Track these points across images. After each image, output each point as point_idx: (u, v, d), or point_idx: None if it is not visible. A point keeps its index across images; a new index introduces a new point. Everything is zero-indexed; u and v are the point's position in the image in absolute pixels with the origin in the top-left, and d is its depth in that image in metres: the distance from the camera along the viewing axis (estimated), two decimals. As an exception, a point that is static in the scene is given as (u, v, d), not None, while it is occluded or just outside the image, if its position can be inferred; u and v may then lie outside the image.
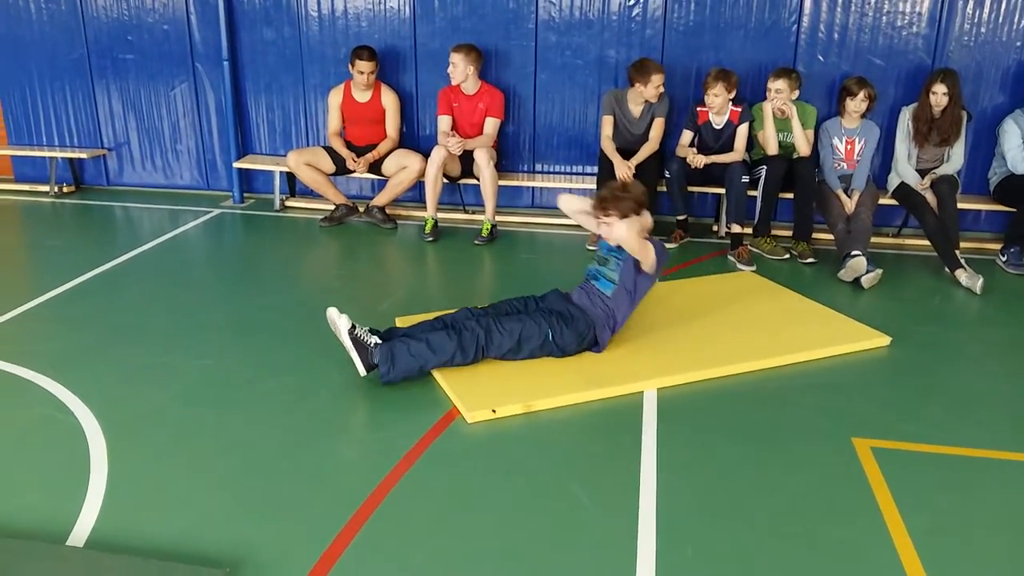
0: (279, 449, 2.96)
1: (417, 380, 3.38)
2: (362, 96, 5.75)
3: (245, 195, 6.36)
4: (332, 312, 3.39)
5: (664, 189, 5.40)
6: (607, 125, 5.49)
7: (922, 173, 5.29)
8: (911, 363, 3.76)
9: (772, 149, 5.26)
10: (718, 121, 5.33)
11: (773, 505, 2.68)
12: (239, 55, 6.09)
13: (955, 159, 5.30)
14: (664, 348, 3.72)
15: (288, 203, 6.21)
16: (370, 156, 5.70)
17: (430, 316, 3.92)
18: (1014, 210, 5.26)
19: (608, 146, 5.42)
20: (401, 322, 3.95)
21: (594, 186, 5.73)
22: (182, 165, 6.51)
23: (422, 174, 5.55)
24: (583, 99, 5.85)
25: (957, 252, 4.91)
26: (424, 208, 5.79)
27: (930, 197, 5.18)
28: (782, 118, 5.24)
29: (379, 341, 3.34)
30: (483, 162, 5.36)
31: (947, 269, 4.91)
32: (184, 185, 6.55)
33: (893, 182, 5.38)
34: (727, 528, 2.55)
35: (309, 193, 6.13)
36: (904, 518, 2.60)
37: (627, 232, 3.44)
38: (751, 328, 3.98)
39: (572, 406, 3.27)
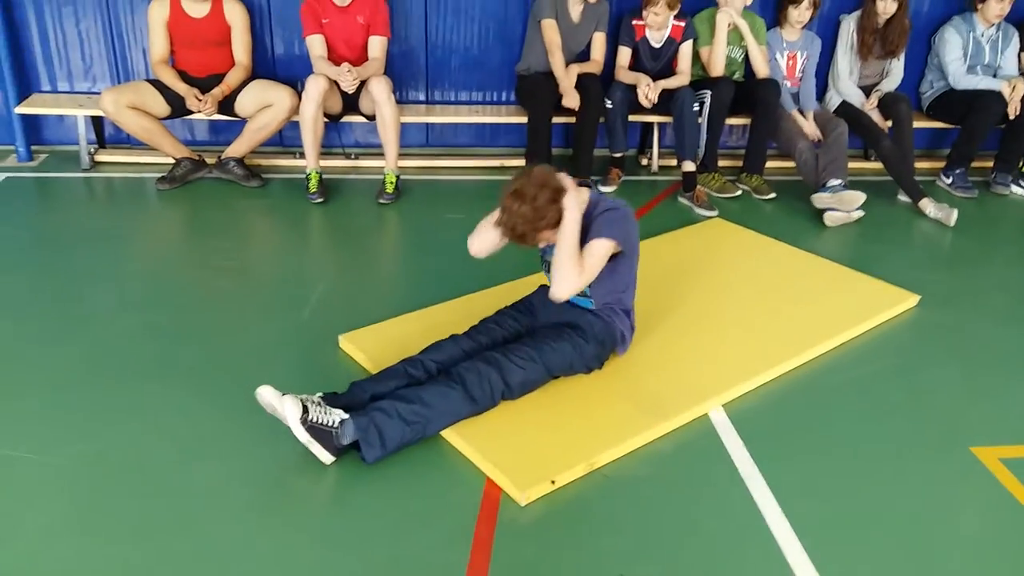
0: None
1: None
2: (197, 9, 4.28)
3: (34, 150, 4.69)
4: (266, 393, 2.26)
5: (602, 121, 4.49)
6: (552, 31, 4.29)
7: (863, 90, 4.82)
8: (952, 328, 3.27)
9: (718, 70, 4.51)
10: (657, 38, 4.47)
11: (938, 552, 2.09)
12: (3, -47, 4.35)
13: (896, 73, 4.85)
14: (695, 346, 2.95)
15: (99, 157, 4.66)
16: (219, 91, 4.28)
17: (382, 329, 2.91)
18: (951, 127, 4.95)
19: (559, 60, 4.29)
20: (349, 343, 2.87)
21: (508, 121, 4.76)
22: (-69, 112, 4.69)
23: (294, 113, 4.27)
24: (490, 6, 4.68)
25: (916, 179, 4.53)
26: (293, 156, 4.59)
27: (876, 118, 4.73)
28: (732, 31, 4.49)
29: (343, 415, 2.26)
30: (382, 96, 4.14)
31: (907, 199, 4.51)
32: (-62, 140, 4.75)
33: (833, 101, 4.86)
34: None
35: (127, 141, 4.63)
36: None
37: (572, 231, 2.48)
38: (774, 303, 3.30)
39: (635, 451, 2.45)
